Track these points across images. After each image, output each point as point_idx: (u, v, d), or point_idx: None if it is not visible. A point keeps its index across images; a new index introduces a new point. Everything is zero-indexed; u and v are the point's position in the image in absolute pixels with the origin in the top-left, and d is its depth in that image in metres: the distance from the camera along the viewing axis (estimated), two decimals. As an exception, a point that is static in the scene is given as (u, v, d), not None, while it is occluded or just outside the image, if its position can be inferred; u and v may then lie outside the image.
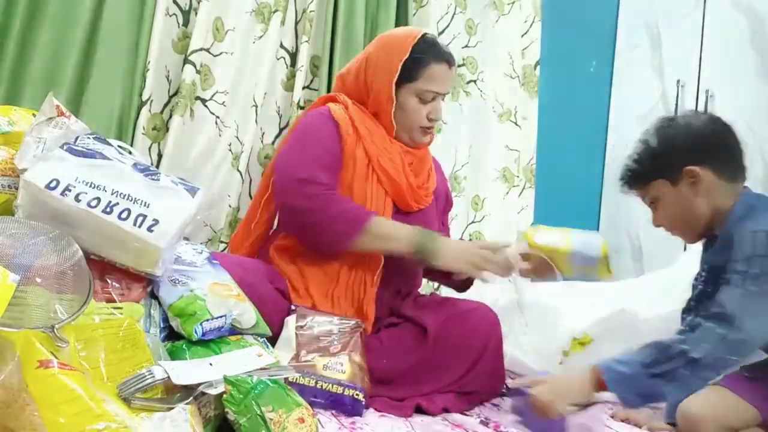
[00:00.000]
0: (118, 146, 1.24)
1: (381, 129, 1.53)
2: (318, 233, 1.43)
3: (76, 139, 1.12)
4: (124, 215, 1.03)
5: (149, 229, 1.03)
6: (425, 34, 1.54)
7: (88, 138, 1.14)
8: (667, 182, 1.36)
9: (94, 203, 1.02)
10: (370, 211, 1.46)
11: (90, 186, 1.03)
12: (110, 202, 1.03)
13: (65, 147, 1.09)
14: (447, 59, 1.53)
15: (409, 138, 1.55)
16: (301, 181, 1.43)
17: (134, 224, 1.03)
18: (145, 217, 1.04)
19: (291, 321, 1.34)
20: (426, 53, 1.50)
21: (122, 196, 1.04)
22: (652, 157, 1.38)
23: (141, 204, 1.05)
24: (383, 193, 1.50)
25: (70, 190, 1.02)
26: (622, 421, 1.44)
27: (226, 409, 0.95)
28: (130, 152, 1.27)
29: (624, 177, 1.45)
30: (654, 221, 1.43)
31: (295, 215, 1.45)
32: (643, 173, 1.40)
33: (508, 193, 2.60)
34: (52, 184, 1.02)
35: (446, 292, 2.38)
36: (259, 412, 0.94)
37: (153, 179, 1.09)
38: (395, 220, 1.50)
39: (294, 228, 1.48)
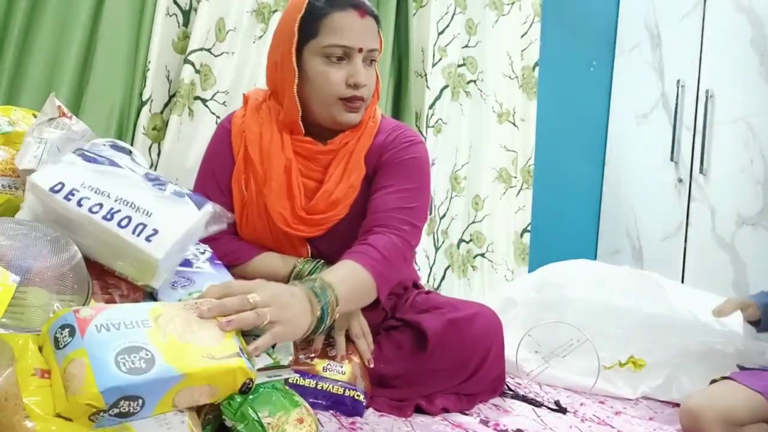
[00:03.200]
0: (130, 152, 1.25)
1: (273, 135, 1.31)
2: None
3: (92, 145, 1.11)
4: (124, 223, 1.00)
5: (147, 239, 1.00)
6: None
7: (104, 145, 1.13)
8: None
9: (96, 209, 1.00)
10: (250, 250, 1.32)
11: (95, 192, 1.02)
12: (112, 209, 1.01)
13: (78, 152, 1.08)
14: (353, 4, 1.24)
15: (331, 119, 1.28)
16: None
17: (133, 232, 1.00)
18: (144, 226, 1.01)
19: (289, 325, 1.34)
20: (324, 4, 1.23)
21: (125, 203, 1.02)
22: None
23: (143, 213, 1.02)
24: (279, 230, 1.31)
25: (73, 194, 1.01)
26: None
27: (223, 415, 0.96)
28: (130, 152, 1.27)
29: None
30: None
31: None
32: None
33: (505, 193, 2.60)
34: (57, 187, 1.01)
35: (445, 290, 2.39)
36: (255, 418, 0.95)
37: (160, 189, 1.07)
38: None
39: None
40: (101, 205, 1.00)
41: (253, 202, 1.31)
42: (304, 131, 1.32)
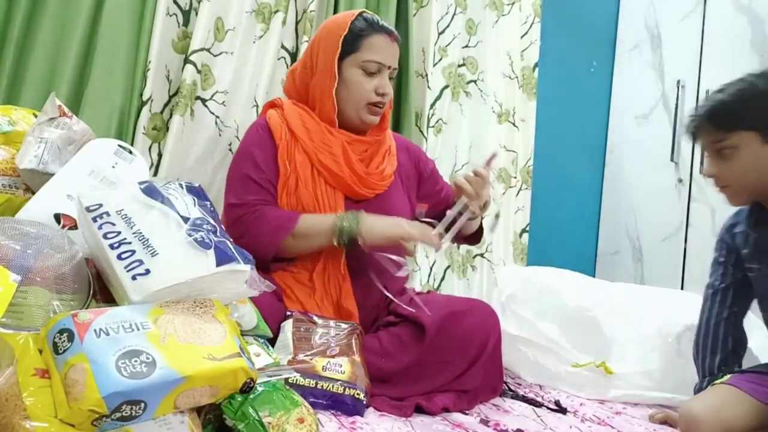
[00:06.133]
0: (131, 152, 1.25)
1: (319, 123, 1.53)
2: (251, 250, 1.36)
3: (166, 184, 1.10)
4: (125, 255, 0.97)
5: (134, 277, 0.95)
6: (363, 11, 1.57)
7: (181, 186, 1.12)
8: (757, 135, 1.21)
9: (110, 235, 0.99)
10: (294, 213, 1.48)
11: (124, 220, 1.01)
12: (124, 239, 0.98)
13: (144, 184, 1.07)
14: (387, 31, 1.54)
15: (358, 119, 1.55)
16: (230, 206, 1.51)
17: (125, 267, 0.96)
18: (140, 263, 0.96)
19: (287, 326, 1.35)
20: (365, 26, 1.53)
21: (141, 238, 0.99)
22: (755, 101, 1.21)
23: (149, 252, 0.97)
24: (331, 189, 1.52)
25: (102, 217, 1.01)
26: (661, 423, 1.45)
27: (224, 415, 0.96)
28: (130, 152, 1.27)
29: (707, 113, 1.26)
30: (711, 170, 1.29)
31: (234, 240, 1.46)
32: (736, 116, 1.22)
33: (504, 193, 2.60)
34: (93, 207, 1.02)
35: (445, 290, 2.39)
36: (256, 417, 0.95)
37: (189, 234, 1.01)
38: (350, 209, 1.52)
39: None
40: (118, 233, 0.99)
41: (299, 172, 1.51)
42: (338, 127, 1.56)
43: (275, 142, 1.53)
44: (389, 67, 1.55)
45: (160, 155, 1.84)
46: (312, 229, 1.45)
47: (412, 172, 1.71)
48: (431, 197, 1.73)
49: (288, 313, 1.41)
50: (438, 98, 2.40)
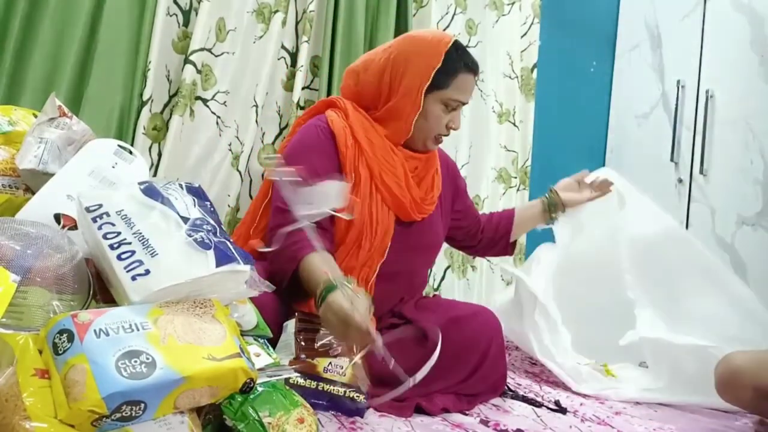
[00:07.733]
0: (131, 152, 1.25)
1: (383, 138, 1.48)
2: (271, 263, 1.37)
3: (166, 184, 1.10)
4: (124, 256, 0.97)
5: (134, 278, 0.95)
6: (456, 40, 1.50)
7: (181, 186, 1.11)
8: None
9: (110, 236, 0.99)
10: (308, 247, 1.29)
11: (124, 221, 1.00)
12: (124, 239, 0.98)
13: (144, 184, 1.07)
14: (474, 69, 1.51)
15: (423, 145, 1.53)
16: (276, 211, 1.40)
17: (125, 267, 0.96)
18: (140, 264, 0.96)
19: (290, 325, 1.34)
20: (457, 61, 1.47)
21: (140, 239, 0.99)
22: None
23: (148, 252, 0.97)
24: (386, 209, 1.48)
25: (101, 218, 1.00)
26: None
27: (224, 415, 0.96)
28: (130, 152, 1.27)
29: None
30: None
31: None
32: None
33: (504, 193, 2.60)
34: (93, 207, 1.01)
35: (445, 290, 2.39)
36: (256, 417, 0.95)
37: (189, 234, 1.01)
38: (398, 231, 1.48)
39: None
40: (118, 234, 0.99)
41: (360, 187, 1.45)
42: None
43: (338, 149, 1.45)
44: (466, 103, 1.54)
45: (160, 155, 1.84)
46: (308, 278, 1.28)
47: (449, 190, 1.67)
48: (462, 213, 1.71)
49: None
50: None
